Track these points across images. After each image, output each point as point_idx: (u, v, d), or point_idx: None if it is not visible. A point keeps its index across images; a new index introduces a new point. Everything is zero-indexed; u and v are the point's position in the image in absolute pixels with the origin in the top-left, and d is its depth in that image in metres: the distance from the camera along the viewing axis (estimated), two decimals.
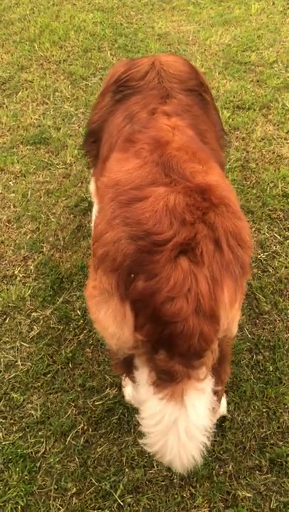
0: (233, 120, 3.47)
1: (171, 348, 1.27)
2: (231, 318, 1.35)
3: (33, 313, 2.42)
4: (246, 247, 1.37)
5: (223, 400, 2.04)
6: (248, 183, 3.07)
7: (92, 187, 2.41)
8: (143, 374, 1.38)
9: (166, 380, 1.30)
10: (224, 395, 2.05)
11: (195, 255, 1.25)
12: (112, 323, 1.34)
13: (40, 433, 2.04)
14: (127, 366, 1.62)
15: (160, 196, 1.31)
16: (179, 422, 1.32)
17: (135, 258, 1.25)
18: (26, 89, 3.75)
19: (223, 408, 2.04)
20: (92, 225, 2.30)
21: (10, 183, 3.05)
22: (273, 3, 4.77)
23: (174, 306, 1.21)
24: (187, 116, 1.73)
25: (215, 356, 1.38)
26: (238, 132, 3.40)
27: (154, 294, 1.23)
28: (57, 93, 3.72)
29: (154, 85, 1.85)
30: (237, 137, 3.37)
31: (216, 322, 1.28)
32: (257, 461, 1.98)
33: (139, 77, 1.92)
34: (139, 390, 1.44)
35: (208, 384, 1.38)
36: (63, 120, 3.48)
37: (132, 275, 1.26)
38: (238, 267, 1.33)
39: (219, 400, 1.70)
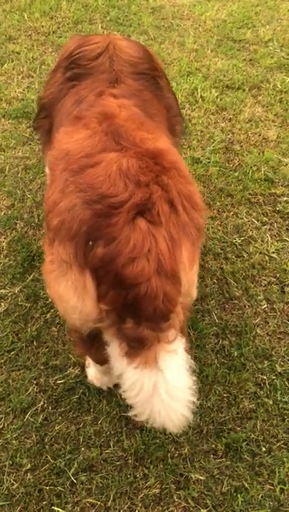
0: (221, 100, 3.38)
1: (137, 313, 1.26)
2: (191, 281, 1.36)
3: (1, 290, 2.41)
4: (200, 209, 1.38)
5: None
6: (231, 165, 3.01)
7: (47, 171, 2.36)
8: (114, 347, 1.37)
9: (138, 347, 1.30)
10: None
11: (152, 215, 1.25)
12: (73, 295, 1.31)
13: None
14: (89, 344, 1.62)
15: (112, 160, 1.31)
16: (159, 386, 1.32)
17: (92, 223, 1.24)
18: (12, 61, 3.66)
19: None
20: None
21: None
22: None
23: (136, 268, 1.20)
24: (135, 99, 1.71)
25: (181, 319, 1.38)
26: (225, 113, 3.32)
27: (114, 258, 1.22)
28: (44, 66, 3.63)
29: (104, 69, 1.83)
30: (224, 118, 3.29)
31: (177, 282, 1.28)
32: (213, 445, 1.99)
33: (91, 57, 1.89)
34: (113, 364, 1.43)
35: (179, 345, 1.37)
36: None
37: (90, 242, 1.24)
38: (193, 228, 1.34)
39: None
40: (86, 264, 1.26)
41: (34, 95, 3.39)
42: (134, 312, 1.27)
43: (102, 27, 4.01)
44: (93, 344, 1.60)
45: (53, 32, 3.94)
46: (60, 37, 3.89)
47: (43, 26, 3.97)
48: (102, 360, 1.78)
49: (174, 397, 1.35)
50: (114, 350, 1.37)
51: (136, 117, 1.54)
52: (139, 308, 1.25)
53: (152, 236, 1.23)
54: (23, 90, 3.44)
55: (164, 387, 1.32)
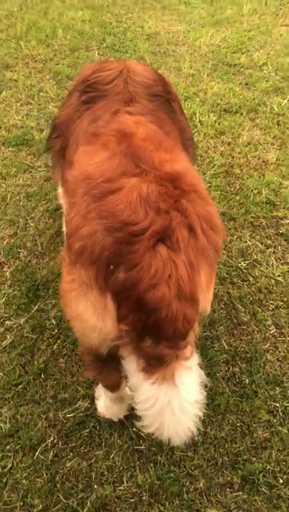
0: (219, 124, 3.42)
1: (157, 334, 1.29)
2: (208, 299, 1.40)
3: (6, 322, 2.37)
4: (218, 230, 1.41)
5: None
6: (232, 189, 3.03)
7: (60, 190, 2.35)
8: (131, 362, 1.39)
9: (156, 364, 1.33)
10: None
11: (172, 242, 1.28)
12: (93, 314, 1.34)
13: (8, 447, 1.99)
14: (101, 367, 1.63)
15: (133, 187, 1.33)
16: (173, 402, 1.35)
17: (114, 250, 1.27)
18: (10, 89, 3.68)
19: None
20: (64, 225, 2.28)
21: None
22: (266, 4, 4.72)
23: (157, 293, 1.23)
24: (150, 117, 1.75)
25: (197, 334, 1.42)
26: (223, 137, 3.35)
27: (136, 283, 1.24)
28: (42, 93, 3.66)
29: (119, 90, 1.88)
30: (223, 142, 3.32)
31: (196, 304, 1.31)
32: (229, 478, 1.94)
33: (106, 82, 1.94)
34: (129, 378, 1.46)
35: (194, 360, 1.41)
36: (47, 121, 3.42)
37: (112, 266, 1.27)
38: (212, 250, 1.37)
39: None
40: (107, 287, 1.29)
41: (33, 122, 3.40)
42: (153, 333, 1.30)
43: (98, 53, 4.06)
44: (105, 367, 1.61)
45: (50, 59, 3.98)
46: (58, 64, 3.93)
47: (39, 54, 4.02)
48: (113, 386, 1.78)
49: (184, 412, 1.38)
50: (131, 365, 1.39)
51: (153, 135, 1.56)
52: (159, 330, 1.29)
53: (172, 262, 1.26)
54: (22, 118, 3.45)
55: (177, 402, 1.36)
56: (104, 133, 1.57)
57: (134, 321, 1.29)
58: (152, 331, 1.29)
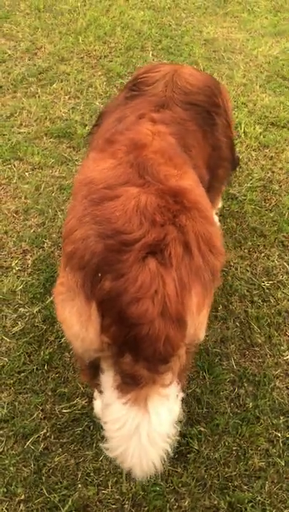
0: (264, 137, 3.32)
1: (136, 351, 1.25)
2: (199, 324, 1.33)
3: (20, 309, 2.40)
4: (217, 253, 1.36)
5: None
6: (267, 204, 2.93)
7: None
8: (108, 377, 1.36)
9: (131, 383, 1.28)
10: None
11: (163, 257, 1.24)
12: (77, 322, 1.31)
13: (1, 431, 2.02)
14: (93, 373, 1.58)
15: (132, 196, 1.31)
16: (141, 428, 1.31)
17: (103, 257, 1.24)
18: (61, 82, 3.74)
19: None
20: None
21: (26, 173, 3.04)
22: None
23: (140, 308, 1.19)
24: (175, 127, 1.71)
25: (182, 362, 1.37)
26: (267, 150, 3.25)
27: (120, 294, 1.21)
28: (91, 89, 3.69)
29: (155, 92, 1.87)
30: (265, 155, 3.22)
31: (182, 327, 1.26)
32: (215, 502, 1.87)
33: (150, 83, 1.94)
34: (104, 393, 1.42)
35: (172, 390, 1.36)
36: (91, 117, 3.44)
37: (100, 274, 1.24)
38: (208, 272, 1.31)
39: None
40: (93, 296, 1.26)
41: (78, 116, 3.44)
42: (133, 350, 1.25)
43: (152, 54, 4.05)
44: (97, 375, 1.56)
45: (105, 56, 4.01)
46: (111, 61, 3.95)
47: (95, 50, 4.06)
48: None
49: (152, 442, 1.32)
50: (108, 380, 1.36)
51: (166, 150, 1.53)
52: (139, 348, 1.23)
53: (161, 277, 1.21)
54: (68, 111, 3.49)
55: (145, 430, 1.30)
56: (119, 141, 1.55)
57: (115, 334, 1.25)
58: (132, 347, 1.24)
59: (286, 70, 3.91)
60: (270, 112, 3.51)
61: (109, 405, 1.35)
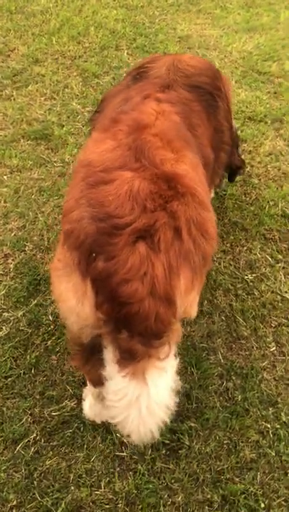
0: (242, 132, 3.34)
1: (130, 327, 1.31)
2: (189, 303, 1.39)
3: (4, 314, 2.38)
4: (209, 238, 1.41)
5: None
6: (247, 199, 2.95)
7: None
8: (109, 352, 1.41)
9: (128, 358, 1.34)
10: None
11: (153, 242, 1.29)
12: (73, 296, 1.37)
13: None
14: (86, 358, 1.63)
15: (125, 181, 1.35)
16: (141, 399, 1.37)
17: (95, 238, 1.29)
18: (37, 83, 3.71)
19: None
20: None
21: (4, 177, 3.01)
22: None
23: (130, 288, 1.25)
24: (180, 106, 1.75)
25: (178, 335, 1.43)
26: (245, 145, 3.28)
27: (111, 275, 1.26)
28: (67, 89, 3.67)
29: (158, 75, 1.93)
30: (243, 150, 3.24)
31: (172, 305, 1.31)
32: (208, 496, 1.88)
33: (153, 69, 2.00)
34: (106, 367, 1.47)
35: (170, 363, 1.42)
36: (68, 117, 3.42)
37: (94, 254, 1.29)
38: (198, 256, 1.36)
39: None
40: (88, 273, 1.31)
41: (55, 117, 3.41)
42: (127, 326, 1.31)
43: (127, 53, 4.04)
44: (90, 359, 1.61)
45: (79, 56, 3.99)
46: (86, 61, 3.93)
47: (69, 50, 4.03)
48: (96, 381, 1.78)
49: (151, 412, 1.39)
50: (109, 355, 1.42)
51: (167, 131, 1.56)
52: (132, 324, 1.30)
53: (150, 260, 1.26)
54: (45, 112, 3.46)
55: (145, 400, 1.37)
56: (122, 121, 1.59)
57: (108, 311, 1.30)
58: (125, 324, 1.31)
59: (260, 65, 3.94)
60: (247, 107, 3.54)
61: (112, 378, 1.42)
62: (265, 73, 3.88)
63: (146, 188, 1.33)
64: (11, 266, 2.57)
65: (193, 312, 1.47)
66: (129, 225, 1.28)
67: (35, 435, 2.01)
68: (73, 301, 1.37)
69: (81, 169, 1.46)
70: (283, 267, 2.63)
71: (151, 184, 1.35)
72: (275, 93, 3.72)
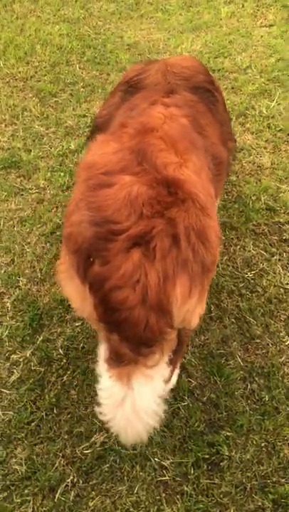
0: None
1: (119, 332, 1.31)
2: (189, 312, 1.36)
3: (12, 356, 2.27)
4: (210, 246, 1.37)
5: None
6: (230, 197, 2.97)
7: None
8: (102, 349, 1.44)
9: (115, 360, 1.36)
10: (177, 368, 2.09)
11: (148, 249, 1.27)
12: (76, 298, 1.41)
13: (26, 491, 1.89)
14: None
15: (125, 185, 1.33)
16: (126, 402, 1.39)
17: (92, 242, 1.29)
18: None
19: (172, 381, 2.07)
20: None
21: None
22: (243, 6, 4.69)
23: (121, 295, 1.24)
24: (187, 109, 1.73)
25: (171, 345, 1.44)
26: None
27: (105, 279, 1.26)
28: (26, 112, 3.56)
29: (158, 81, 1.90)
30: None
31: (165, 315, 1.29)
32: (259, 503, 1.87)
33: (147, 78, 1.97)
34: (98, 362, 1.50)
35: (158, 371, 1.42)
36: (34, 141, 3.32)
37: (91, 259, 1.29)
38: (197, 264, 1.33)
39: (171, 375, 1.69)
40: (86, 277, 1.32)
41: (20, 143, 3.30)
42: (117, 330, 1.32)
43: (79, 67, 3.98)
44: None
45: (31, 77, 3.89)
46: (39, 81, 3.84)
47: (20, 72, 3.92)
48: None
49: (136, 415, 1.41)
50: (101, 351, 1.44)
51: (173, 134, 1.53)
52: (120, 329, 1.30)
53: (143, 268, 1.25)
54: (8, 139, 3.35)
55: (130, 404, 1.39)
56: (130, 124, 1.56)
57: (100, 314, 1.31)
58: (115, 328, 1.31)
59: (213, 63, 3.98)
60: None
61: (101, 376, 1.45)
62: (220, 70, 3.92)
63: (144, 194, 1.31)
64: (8, 304, 2.46)
65: (194, 322, 1.44)
66: (125, 231, 1.27)
67: (72, 477, 1.93)
68: (78, 302, 1.42)
69: (84, 171, 1.45)
70: (279, 259, 2.66)
71: (150, 189, 1.33)
72: (233, 88, 3.76)
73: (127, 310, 1.25)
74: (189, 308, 1.36)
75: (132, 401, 1.38)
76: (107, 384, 1.41)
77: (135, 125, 1.55)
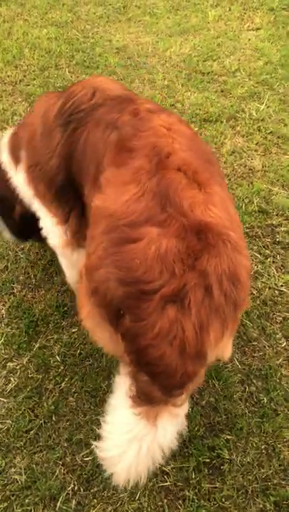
0: (201, 134, 3.37)
1: (153, 378, 1.30)
2: (221, 348, 1.35)
3: (8, 364, 2.24)
4: (241, 286, 1.32)
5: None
6: None
7: (57, 239, 2.01)
8: (124, 384, 1.40)
9: (144, 400, 1.34)
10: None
11: (183, 305, 1.24)
12: (108, 342, 1.42)
13: (27, 500, 1.87)
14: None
15: (152, 241, 1.28)
16: (145, 439, 1.38)
17: (122, 301, 1.27)
18: None
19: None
20: (68, 277, 2.23)
21: None
22: (230, 9, 4.72)
23: (157, 352, 1.23)
24: (167, 113, 1.67)
25: (200, 382, 1.44)
26: None
27: (138, 335, 1.24)
28: (16, 117, 3.54)
29: (110, 97, 1.73)
30: None
31: (202, 359, 1.29)
32: (261, 505, 1.87)
33: (88, 99, 1.76)
34: (114, 396, 1.47)
35: (183, 409, 1.43)
36: None
37: (122, 312, 1.28)
38: (229, 307, 1.30)
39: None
40: (118, 329, 1.31)
41: None
42: (150, 376, 1.31)
43: (69, 71, 3.96)
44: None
45: (20, 81, 3.86)
46: (28, 85, 3.81)
47: (8, 76, 3.89)
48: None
49: (150, 455, 1.40)
50: (123, 385, 1.41)
51: (190, 159, 1.44)
52: (155, 377, 1.30)
53: (180, 324, 1.23)
54: None
55: (149, 442, 1.38)
56: (138, 148, 1.46)
57: (133, 361, 1.31)
58: (149, 374, 1.31)
59: (202, 66, 4.00)
60: (200, 109, 3.57)
61: (119, 409, 1.40)
62: (209, 73, 3.94)
63: (174, 248, 1.26)
64: (3, 312, 2.44)
65: (227, 355, 1.43)
66: (158, 290, 1.23)
67: (72, 486, 1.91)
68: (110, 346, 1.45)
69: (102, 220, 1.37)
70: (273, 261, 2.68)
71: (179, 242, 1.27)
72: (222, 91, 3.78)
73: (164, 365, 1.24)
74: (222, 346, 1.35)
75: (153, 440, 1.37)
76: (129, 420, 1.36)
77: (146, 150, 1.44)
